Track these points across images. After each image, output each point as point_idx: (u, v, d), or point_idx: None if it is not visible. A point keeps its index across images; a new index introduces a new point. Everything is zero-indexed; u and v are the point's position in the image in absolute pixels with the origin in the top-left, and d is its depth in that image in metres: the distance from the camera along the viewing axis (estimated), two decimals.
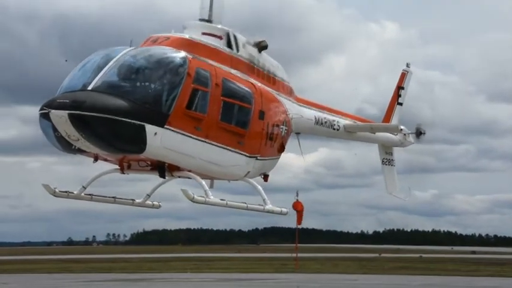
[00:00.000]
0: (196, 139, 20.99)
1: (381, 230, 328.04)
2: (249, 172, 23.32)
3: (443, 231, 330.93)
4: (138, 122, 19.62)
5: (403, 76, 36.43)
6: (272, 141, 23.89)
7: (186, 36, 22.58)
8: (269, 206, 23.33)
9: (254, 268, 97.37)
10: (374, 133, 32.43)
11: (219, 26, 23.56)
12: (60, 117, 19.12)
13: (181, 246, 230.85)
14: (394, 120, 35.19)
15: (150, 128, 19.81)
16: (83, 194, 23.13)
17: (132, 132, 19.63)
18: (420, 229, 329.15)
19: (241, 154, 22.65)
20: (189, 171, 21.74)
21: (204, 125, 21.10)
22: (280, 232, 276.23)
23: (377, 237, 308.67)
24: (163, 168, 21.50)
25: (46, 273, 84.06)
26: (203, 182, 21.54)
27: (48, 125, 19.83)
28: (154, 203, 25.21)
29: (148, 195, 24.77)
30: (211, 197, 21.43)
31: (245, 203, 22.83)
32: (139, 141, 19.77)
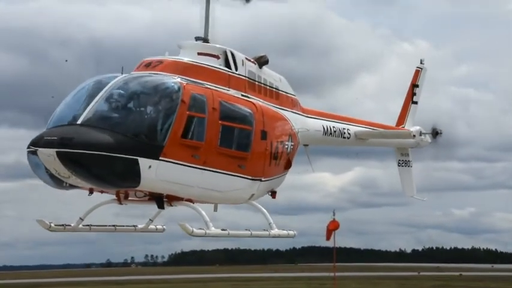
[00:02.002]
0: (194, 167, 20.16)
1: (420, 248, 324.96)
2: (253, 195, 22.52)
3: (483, 248, 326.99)
4: (131, 157, 18.85)
5: (417, 73, 35.09)
6: (277, 160, 23.09)
7: (180, 59, 21.82)
8: (275, 231, 22.48)
9: (292, 287, 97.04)
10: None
11: (216, 45, 22.83)
12: (48, 155, 18.45)
13: (218, 266, 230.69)
14: (409, 120, 34.08)
15: (143, 162, 19.03)
16: (80, 226, 22.39)
17: (124, 167, 18.85)
18: (459, 247, 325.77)
19: (244, 178, 21.77)
20: (189, 200, 21.05)
21: (202, 152, 20.26)
22: (318, 251, 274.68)
23: (416, 256, 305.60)
24: (161, 199, 20.83)
25: None
26: (203, 212, 20.66)
27: (37, 163, 19.12)
28: (157, 227, 24.40)
29: (151, 220, 23.90)
30: (212, 229, 20.52)
31: (249, 231, 21.96)
32: (132, 176, 19.00)
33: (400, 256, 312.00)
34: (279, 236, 22.64)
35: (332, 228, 58.02)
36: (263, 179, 22.58)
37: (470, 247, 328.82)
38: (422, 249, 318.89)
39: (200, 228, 20.27)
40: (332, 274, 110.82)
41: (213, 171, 20.69)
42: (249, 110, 21.99)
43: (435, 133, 32.85)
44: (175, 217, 22.46)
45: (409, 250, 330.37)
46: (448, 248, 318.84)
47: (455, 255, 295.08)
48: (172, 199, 20.91)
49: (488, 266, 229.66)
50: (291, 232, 23.13)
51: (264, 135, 22.32)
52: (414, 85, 34.89)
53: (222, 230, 21.01)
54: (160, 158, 19.38)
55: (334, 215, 63.44)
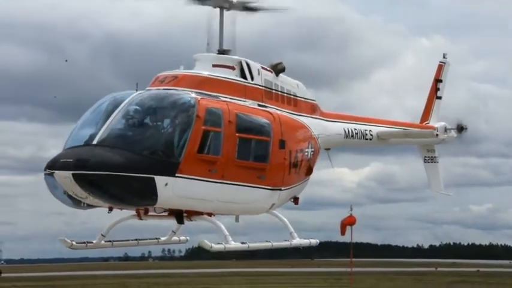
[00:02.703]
0: (211, 182, 20.21)
1: (437, 244, 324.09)
2: (273, 204, 22.49)
3: (501, 245, 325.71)
4: (147, 175, 18.94)
5: (441, 68, 34.65)
6: (297, 168, 23.03)
7: (195, 72, 21.80)
8: (296, 240, 22.44)
9: (308, 283, 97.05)
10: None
11: (231, 56, 22.77)
12: (64, 177, 18.63)
13: (235, 261, 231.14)
14: (433, 116, 33.65)
15: (160, 180, 19.14)
16: (102, 242, 22.51)
17: (141, 186, 18.96)
18: (477, 243, 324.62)
19: (264, 188, 21.76)
20: (209, 214, 21.06)
21: (219, 166, 20.28)
22: (335, 247, 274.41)
23: (433, 251, 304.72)
24: (181, 214, 20.92)
25: None
26: (222, 226, 20.64)
27: (54, 184, 19.32)
28: (181, 238, 24.34)
29: (174, 232, 23.89)
30: (232, 243, 20.53)
31: (270, 242, 21.98)
32: (149, 194, 19.11)
33: (417, 252, 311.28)
34: (300, 245, 22.67)
35: (347, 223, 57.86)
36: (283, 188, 22.59)
37: (487, 243, 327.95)
38: (440, 245, 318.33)
39: (219, 243, 20.29)
40: (349, 270, 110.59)
41: (231, 184, 20.75)
42: (266, 120, 21.99)
43: (460, 128, 32.67)
44: (197, 224, 22.39)
45: (426, 246, 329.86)
46: (465, 244, 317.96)
47: (473, 251, 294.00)
48: (192, 214, 21.02)
49: (506, 262, 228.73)
50: (313, 241, 23.25)
51: (282, 144, 22.31)
52: (438, 80, 34.51)
53: (242, 243, 21.08)
54: (176, 174, 19.49)
55: (351, 210, 63.42)
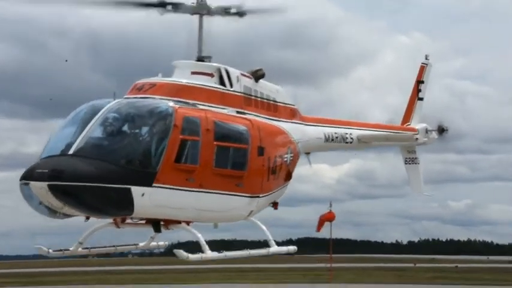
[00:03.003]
0: (189, 191, 20.16)
1: (416, 239, 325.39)
2: (252, 211, 22.49)
3: (479, 240, 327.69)
4: (123, 186, 18.86)
5: (422, 69, 34.79)
6: (276, 174, 23.01)
7: (173, 80, 21.73)
8: (274, 248, 22.45)
9: (288, 279, 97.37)
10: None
11: (210, 63, 22.68)
12: (40, 188, 18.56)
13: None
14: (415, 117, 33.77)
15: (136, 190, 19.06)
16: (79, 249, 22.36)
17: (117, 196, 18.88)
18: (455, 238, 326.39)
19: (242, 196, 21.75)
20: (187, 222, 21.07)
21: (197, 175, 20.22)
22: (314, 243, 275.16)
23: (412, 247, 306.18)
24: (158, 223, 20.89)
25: (83, 285, 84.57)
26: (199, 235, 20.61)
27: (30, 194, 19.15)
28: (159, 243, 24.44)
29: (152, 237, 23.80)
30: (208, 252, 20.49)
31: (247, 250, 21.95)
32: (126, 205, 19.04)
33: (396, 247, 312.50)
34: (278, 253, 22.75)
35: (326, 219, 58.21)
36: (261, 195, 22.60)
37: (466, 239, 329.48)
38: (418, 241, 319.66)
39: (196, 253, 20.30)
40: (328, 265, 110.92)
41: (209, 192, 20.73)
42: (244, 128, 21.93)
43: (441, 130, 32.89)
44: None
45: (405, 242, 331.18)
46: (444, 240, 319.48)
47: (451, 247, 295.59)
48: (169, 223, 21.01)
49: (484, 257, 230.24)
50: (291, 248, 23.29)
51: (261, 151, 22.27)
52: (419, 81, 34.67)
53: (219, 252, 21.09)
54: (153, 184, 19.41)
55: (330, 206, 63.96)
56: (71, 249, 22.22)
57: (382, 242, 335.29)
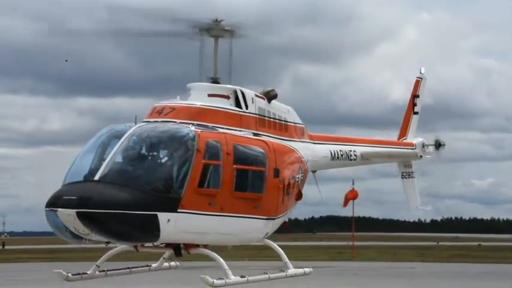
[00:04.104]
0: (210, 215, 20.32)
1: (439, 218, 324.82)
2: (267, 233, 22.81)
3: (502, 219, 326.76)
4: (150, 212, 19.02)
5: (417, 84, 34.78)
6: (289, 195, 23.26)
7: (192, 103, 21.81)
8: (291, 270, 22.72)
9: (310, 256, 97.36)
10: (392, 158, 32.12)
11: (225, 86, 22.77)
12: (68, 215, 18.73)
13: None
14: (411, 131, 33.98)
15: (162, 216, 19.21)
16: (97, 273, 22.62)
17: (144, 223, 19.05)
18: (479, 217, 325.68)
19: (259, 218, 21.97)
20: (205, 246, 21.35)
21: (218, 199, 20.40)
22: (337, 221, 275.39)
23: (435, 226, 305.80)
24: (179, 247, 21.09)
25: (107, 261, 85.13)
26: (221, 260, 20.68)
27: (56, 220, 19.29)
28: (171, 263, 24.47)
29: (165, 258, 23.98)
30: (232, 277, 20.58)
31: (267, 274, 22.15)
32: (152, 231, 19.24)
33: (418, 226, 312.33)
34: (295, 275, 22.93)
35: (350, 197, 58.20)
36: (277, 217, 22.87)
37: (489, 217, 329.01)
38: (441, 220, 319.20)
39: (220, 278, 20.32)
40: (350, 243, 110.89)
41: (229, 216, 20.89)
42: (261, 150, 22.10)
43: (438, 145, 33.04)
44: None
45: (428, 220, 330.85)
46: (467, 219, 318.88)
47: (475, 226, 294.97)
48: (190, 246, 21.25)
49: (508, 236, 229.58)
50: (307, 270, 23.55)
51: (276, 173, 22.49)
52: (415, 96, 34.78)
53: (241, 277, 21.13)
54: (178, 210, 19.57)
55: (353, 184, 63.90)
56: (88, 272, 22.54)
57: (405, 220, 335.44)
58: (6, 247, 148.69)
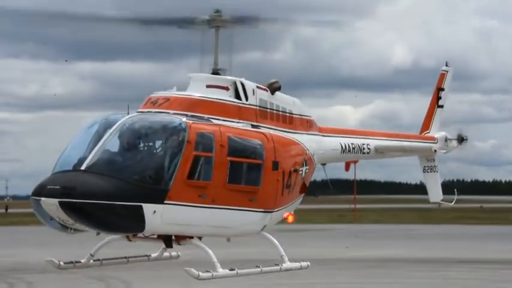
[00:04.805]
0: (201, 207, 20.10)
1: (441, 180, 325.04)
2: (265, 226, 22.34)
3: (505, 181, 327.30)
4: (134, 203, 18.83)
5: (443, 76, 34.36)
6: (290, 188, 22.98)
7: (188, 95, 21.65)
8: (287, 264, 22.16)
9: (313, 219, 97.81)
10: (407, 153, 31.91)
11: (225, 77, 22.57)
12: (51, 205, 18.62)
13: None
14: (434, 125, 33.65)
15: (148, 207, 19.00)
16: (91, 261, 22.18)
17: (129, 214, 18.86)
18: (480, 179, 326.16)
19: (255, 211, 21.64)
20: (200, 238, 21.09)
21: (210, 191, 20.14)
22: (339, 184, 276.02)
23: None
24: (169, 239, 20.85)
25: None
26: (210, 252, 20.33)
27: (41, 209, 19.14)
28: (172, 253, 23.92)
29: (164, 249, 23.28)
30: (220, 270, 20.23)
31: (259, 267, 21.52)
32: (137, 222, 19.02)
33: (420, 189, 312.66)
34: (291, 269, 22.42)
35: (351, 160, 58.15)
36: (275, 210, 22.51)
37: (491, 179, 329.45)
38: (443, 182, 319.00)
39: (207, 271, 19.93)
40: (352, 206, 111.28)
41: (222, 208, 20.62)
42: (258, 142, 21.79)
43: (461, 139, 32.78)
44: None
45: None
46: (468, 181, 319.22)
47: (476, 188, 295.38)
48: (181, 238, 20.99)
49: (510, 197, 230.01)
50: (304, 264, 22.96)
51: (275, 166, 22.11)
52: (440, 89, 34.24)
53: (230, 270, 20.70)
54: (165, 201, 19.32)
55: None
56: (82, 261, 22.07)
57: (407, 183, 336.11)
58: (9, 210, 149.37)
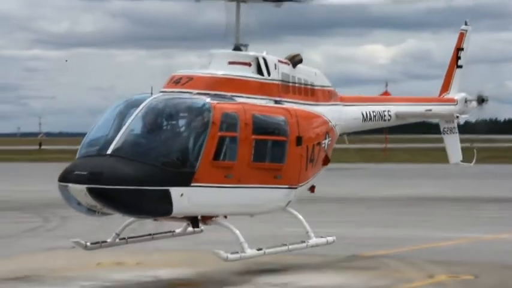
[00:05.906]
0: (227, 187, 20.12)
1: (473, 120, 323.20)
2: (290, 201, 22.41)
3: None
4: (162, 188, 18.89)
5: (462, 36, 33.67)
6: (313, 162, 22.94)
7: (210, 73, 21.48)
8: (313, 240, 22.27)
9: (343, 158, 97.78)
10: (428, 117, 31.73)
11: (247, 53, 22.38)
12: (79, 191, 18.69)
13: None
14: (453, 86, 33.36)
15: (175, 191, 19.02)
16: (117, 241, 22.30)
17: (156, 198, 18.92)
18: None
19: (280, 188, 21.70)
20: (225, 217, 21.21)
21: (235, 171, 20.13)
22: None
23: (468, 127, 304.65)
24: (196, 219, 20.88)
25: None
26: (237, 232, 20.27)
27: (68, 195, 19.22)
28: (195, 229, 23.63)
29: (188, 224, 23.23)
30: (248, 250, 20.25)
31: (286, 245, 21.62)
32: (164, 205, 19.07)
33: None
34: (317, 245, 22.55)
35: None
36: (300, 185, 22.49)
37: None
38: (476, 121, 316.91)
39: (235, 252, 20.01)
40: (383, 146, 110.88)
41: (248, 187, 20.65)
42: (282, 119, 21.67)
43: (481, 100, 32.40)
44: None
45: (462, 122, 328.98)
46: (501, 120, 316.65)
47: (509, 127, 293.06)
48: (207, 218, 21.09)
49: None
50: (330, 239, 23.00)
51: (299, 141, 21.99)
52: (459, 49, 33.57)
53: (258, 249, 20.77)
54: (192, 184, 19.33)
55: (386, 86, 63.64)
56: (108, 240, 22.20)
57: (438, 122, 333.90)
58: (43, 147, 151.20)
